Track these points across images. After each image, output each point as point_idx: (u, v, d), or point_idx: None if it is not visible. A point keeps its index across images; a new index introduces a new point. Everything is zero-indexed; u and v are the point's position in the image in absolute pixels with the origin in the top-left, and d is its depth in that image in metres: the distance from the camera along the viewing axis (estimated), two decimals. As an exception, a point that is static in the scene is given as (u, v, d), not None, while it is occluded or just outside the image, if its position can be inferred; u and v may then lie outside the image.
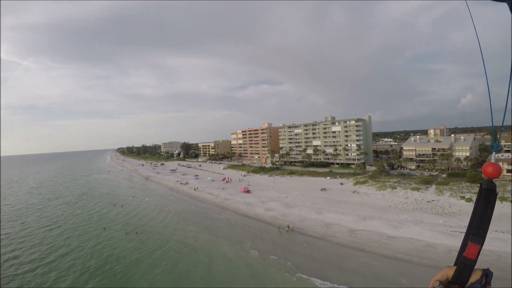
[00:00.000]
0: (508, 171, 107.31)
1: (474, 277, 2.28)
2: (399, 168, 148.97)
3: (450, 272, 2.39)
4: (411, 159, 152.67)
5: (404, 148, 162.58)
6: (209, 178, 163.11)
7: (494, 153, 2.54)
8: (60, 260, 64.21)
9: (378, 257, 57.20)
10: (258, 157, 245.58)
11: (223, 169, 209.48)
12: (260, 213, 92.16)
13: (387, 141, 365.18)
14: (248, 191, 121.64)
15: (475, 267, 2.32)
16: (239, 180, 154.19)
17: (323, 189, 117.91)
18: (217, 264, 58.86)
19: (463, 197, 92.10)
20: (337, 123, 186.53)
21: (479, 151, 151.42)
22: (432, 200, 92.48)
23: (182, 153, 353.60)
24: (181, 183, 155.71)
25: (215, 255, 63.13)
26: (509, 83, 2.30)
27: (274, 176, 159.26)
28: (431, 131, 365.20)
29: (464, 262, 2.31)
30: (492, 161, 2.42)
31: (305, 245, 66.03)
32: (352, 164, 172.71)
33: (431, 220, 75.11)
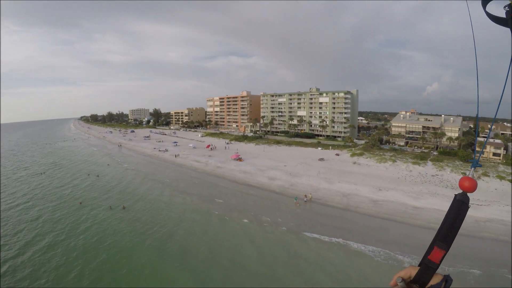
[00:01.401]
0: (494, 154, 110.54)
1: (435, 279, 2.37)
2: (387, 144, 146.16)
3: (413, 272, 2.47)
4: (399, 135, 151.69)
5: (393, 124, 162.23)
6: (190, 145, 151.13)
7: (472, 168, 2.60)
8: (35, 253, 46.53)
9: (414, 228, 53.75)
10: (237, 125, 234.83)
11: (201, 136, 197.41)
12: (265, 183, 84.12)
13: (359, 119, 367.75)
14: (240, 159, 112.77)
15: (437, 271, 2.40)
16: (225, 148, 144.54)
17: (321, 159, 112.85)
18: (248, 248, 47.98)
19: (464, 173, 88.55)
20: (324, 94, 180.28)
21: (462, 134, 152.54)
22: (436, 175, 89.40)
23: (152, 121, 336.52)
24: (159, 150, 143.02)
25: (239, 235, 52.64)
26: (506, 78, 2.31)
27: (261, 144, 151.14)
28: (402, 113, 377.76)
29: (428, 265, 2.38)
30: (470, 176, 2.51)
31: (332, 216, 59.88)
32: (339, 137, 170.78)
33: (445, 193, 71.54)
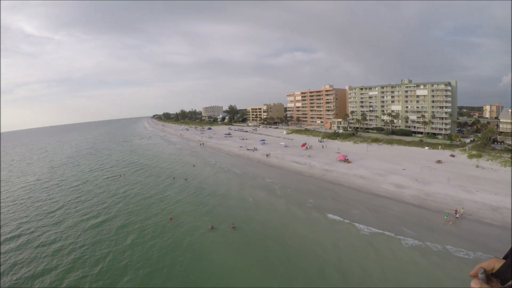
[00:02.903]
0: None
1: None
2: (495, 143, 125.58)
3: (497, 264, 2.29)
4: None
5: (501, 120, 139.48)
6: (282, 143, 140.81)
7: None
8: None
9: None
10: (321, 122, 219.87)
11: (287, 133, 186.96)
12: (393, 191, 69.88)
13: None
14: (347, 161, 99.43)
15: None
16: (322, 147, 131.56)
17: (439, 161, 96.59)
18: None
19: None
20: (422, 86, 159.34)
21: None
22: None
23: (227, 118, 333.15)
24: (248, 149, 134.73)
25: (410, 270, 40.04)
26: None
27: (359, 143, 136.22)
28: (487, 107, 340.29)
29: None
30: None
31: (499, 238, 46.49)
32: (439, 134, 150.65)
33: None
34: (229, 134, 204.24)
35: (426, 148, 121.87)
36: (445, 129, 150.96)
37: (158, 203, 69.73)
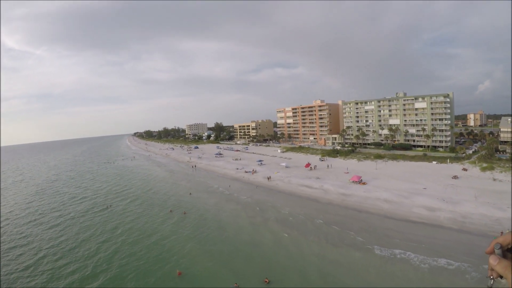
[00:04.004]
0: None
1: None
2: (498, 153, 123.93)
3: None
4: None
5: (501, 129, 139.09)
6: (283, 164, 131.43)
7: None
8: None
9: None
10: (314, 138, 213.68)
11: (282, 152, 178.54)
12: (428, 216, 63.64)
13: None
14: (362, 182, 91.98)
15: None
16: (327, 166, 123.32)
17: (455, 177, 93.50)
18: None
19: None
20: (420, 99, 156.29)
21: None
22: None
23: (213, 135, 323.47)
24: (246, 171, 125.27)
25: None
26: None
27: (363, 160, 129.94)
28: (471, 116, 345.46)
29: None
30: None
31: None
32: (440, 147, 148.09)
33: None
34: (220, 154, 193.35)
35: (434, 162, 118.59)
36: (445, 141, 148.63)
37: (158, 248, 56.14)
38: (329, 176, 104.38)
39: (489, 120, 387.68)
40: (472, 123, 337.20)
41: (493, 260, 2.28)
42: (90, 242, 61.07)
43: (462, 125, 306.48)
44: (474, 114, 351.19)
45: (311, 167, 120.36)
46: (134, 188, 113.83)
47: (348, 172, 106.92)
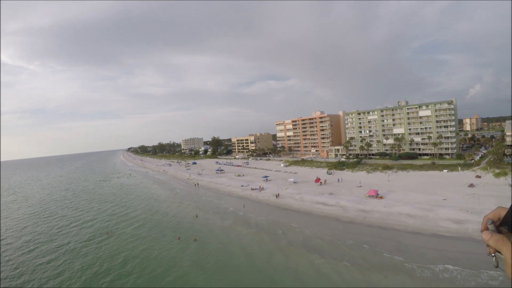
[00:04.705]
0: None
1: None
2: (505, 156, 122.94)
3: (502, 213, 2.40)
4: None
5: (507, 133, 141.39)
6: (291, 179, 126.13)
7: None
8: None
9: None
10: (316, 150, 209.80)
11: (285, 166, 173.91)
12: (457, 229, 60.83)
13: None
14: (379, 196, 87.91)
15: None
16: (338, 180, 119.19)
17: (471, 185, 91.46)
18: None
19: None
20: (424, 107, 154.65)
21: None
22: None
23: (210, 150, 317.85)
24: (252, 189, 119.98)
25: None
26: None
27: (372, 172, 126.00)
28: (467, 120, 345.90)
29: None
30: None
31: None
32: (446, 154, 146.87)
33: None
34: (221, 170, 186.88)
35: (445, 171, 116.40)
36: (451, 148, 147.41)
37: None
38: (342, 191, 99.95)
39: (484, 123, 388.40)
40: (468, 128, 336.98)
41: (486, 236, 2.32)
42: (96, 282, 53.49)
43: (459, 130, 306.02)
44: (470, 118, 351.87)
45: (321, 182, 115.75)
46: (137, 211, 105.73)
47: (361, 186, 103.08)
